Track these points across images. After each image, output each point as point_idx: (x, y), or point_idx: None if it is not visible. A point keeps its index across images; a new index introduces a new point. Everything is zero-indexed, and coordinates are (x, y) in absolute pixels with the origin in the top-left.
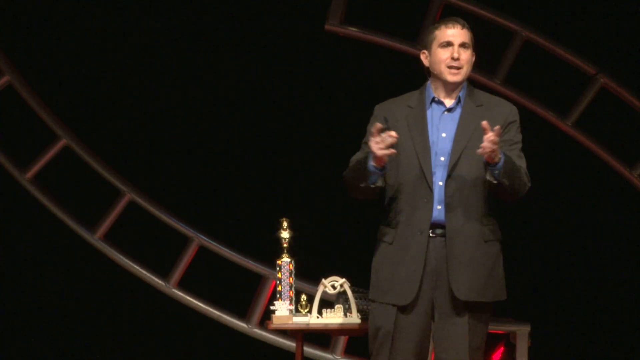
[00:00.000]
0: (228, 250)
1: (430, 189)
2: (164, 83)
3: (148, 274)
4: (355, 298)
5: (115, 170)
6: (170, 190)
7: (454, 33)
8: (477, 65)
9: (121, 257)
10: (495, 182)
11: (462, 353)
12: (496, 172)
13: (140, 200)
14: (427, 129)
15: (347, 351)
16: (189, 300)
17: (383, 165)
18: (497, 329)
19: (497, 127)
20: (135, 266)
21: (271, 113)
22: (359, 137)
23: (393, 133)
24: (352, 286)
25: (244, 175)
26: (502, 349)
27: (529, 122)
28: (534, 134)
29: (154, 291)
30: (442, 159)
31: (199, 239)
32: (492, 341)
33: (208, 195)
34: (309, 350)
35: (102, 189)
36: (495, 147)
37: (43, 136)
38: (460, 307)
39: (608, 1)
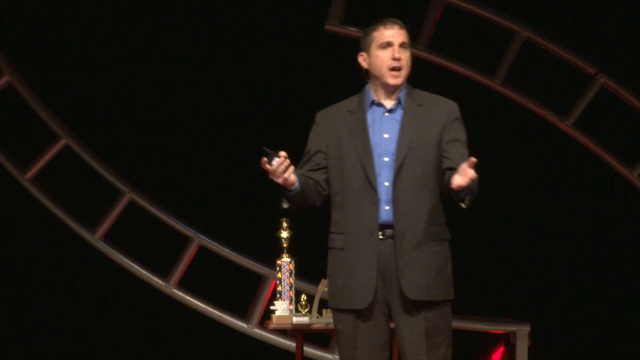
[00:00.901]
0: (228, 250)
1: (375, 190)
2: (164, 83)
3: (148, 274)
4: None
5: (115, 170)
6: (170, 190)
7: (393, 33)
8: (477, 65)
9: (121, 257)
10: (463, 206)
11: (421, 353)
12: (467, 197)
13: (140, 200)
14: (368, 131)
15: None
16: (189, 300)
17: (293, 184)
18: (497, 329)
19: (472, 160)
20: (135, 266)
21: (271, 113)
22: None
23: (282, 153)
24: None
25: (244, 175)
26: (502, 349)
27: (529, 122)
28: (534, 134)
29: (154, 291)
30: (386, 159)
31: (199, 239)
32: (492, 341)
33: (208, 195)
34: (309, 350)
35: (102, 189)
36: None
37: (43, 136)
38: (414, 307)
39: (608, 1)
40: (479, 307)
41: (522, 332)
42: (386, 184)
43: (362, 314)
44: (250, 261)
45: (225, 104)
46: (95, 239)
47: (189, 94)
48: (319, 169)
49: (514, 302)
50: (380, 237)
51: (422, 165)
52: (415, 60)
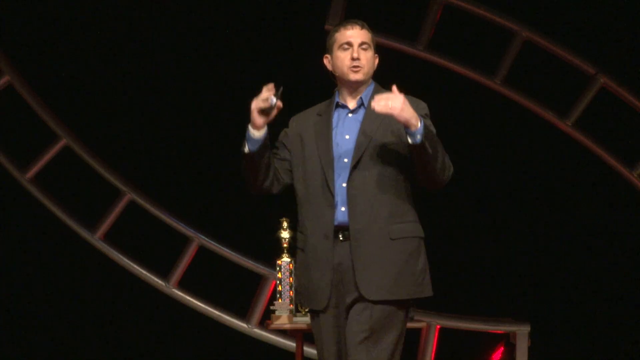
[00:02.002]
0: (228, 250)
1: (331, 193)
2: (163, 83)
3: (148, 274)
4: None
5: (115, 170)
6: (170, 190)
7: (353, 34)
8: (477, 65)
9: (121, 257)
10: (418, 143)
11: (361, 352)
12: (418, 136)
13: (140, 200)
14: (331, 133)
15: None
16: (189, 300)
17: (263, 127)
18: (497, 329)
19: (393, 87)
20: (135, 266)
21: None
22: None
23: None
24: None
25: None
26: (502, 349)
27: (529, 122)
28: (534, 134)
29: (154, 291)
30: (346, 160)
31: (199, 239)
32: (492, 341)
33: (208, 195)
34: (309, 350)
35: (102, 189)
36: (388, 102)
37: (43, 136)
38: (367, 307)
39: (608, 1)
40: (479, 307)
41: (522, 332)
42: (344, 185)
43: (324, 314)
44: (250, 261)
45: (225, 104)
46: (95, 239)
47: (189, 94)
48: (280, 159)
49: (514, 302)
50: (340, 238)
51: (382, 165)
52: (416, 60)
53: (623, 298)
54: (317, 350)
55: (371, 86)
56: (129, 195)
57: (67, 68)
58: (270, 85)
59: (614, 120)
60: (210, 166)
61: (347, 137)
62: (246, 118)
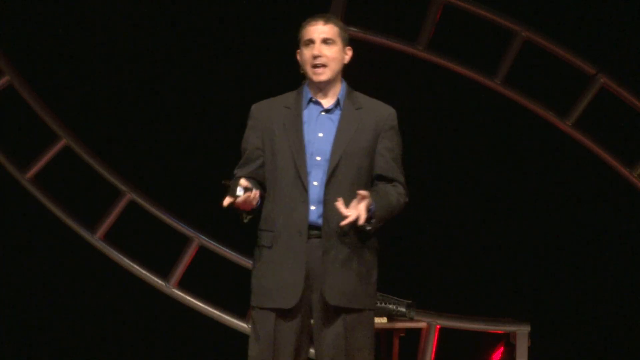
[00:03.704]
0: (228, 250)
1: (305, 189)
2: (164, 83)
3: (148, 274)
4: None
5: (115, 170)
6: (170, 190)
7: (315, 29)
8: (477, 65)
9: (121, 257)
10: (371, 231)
11: (340, 355)
12: (369, 227)
13: (140, 200)
14: (303, 129)
15: None
16: (189, 300)
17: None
18: (497, 329)
19: (363, 194)
20: (135, 266)
21: None
22: None
23: (242, 182)
24: None
25: None
26: (502, 349)
27: (529, 122)
28: (534, 134)
29: (154, 291)
30: (318, 158)
31: (199, 239)
32: (492, 341)
33: (208, 195)
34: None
35: (102, 189)
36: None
37: (43, 136)
38: (335, 310)
39: (608, 1)
40: (479, 307)
41: (522, 332)
42: (315, 183)
43: (285, 315)
44: (250, 261)
45: (225, 104)
46: (95, 239)
47: (189, 94)
48: (259, 167)
49: (514, 302)
50: (308, 236)
51: (355, 170)
52: (416, 60)
53: (623, 298)
54: (258, 350)
55: (344, 86)
56: (129, 195)
57: (67, 68)
58: (226, 200)
59: (614, 120)
60: (211, 166)
61: (320, 135)
62: (246, 117)
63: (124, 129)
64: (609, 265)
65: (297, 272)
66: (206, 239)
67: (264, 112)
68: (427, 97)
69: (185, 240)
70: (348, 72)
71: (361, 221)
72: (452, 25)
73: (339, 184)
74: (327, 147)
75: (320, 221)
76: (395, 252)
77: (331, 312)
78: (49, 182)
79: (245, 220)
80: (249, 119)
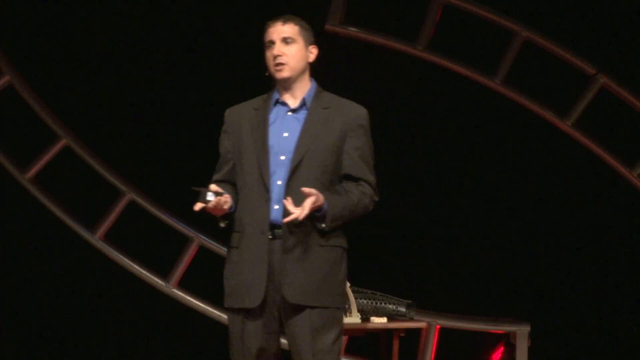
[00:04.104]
0: None
1: (267, 188)
2: (163, 83)
3: (148, 274)
4: (356, 298)
5: (115, 170)
6: (170, 190)
7: (274, 30)
8: (477, 65)
9: (121, 257)
10: (326, 229)
11: (309, 352)
12: (323, 225)
13: (140, 200)
14: (268, 129)
15: (347, 351)
16: (189, 300)
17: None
18: (497, 329)
19: (309, 193)
20: (135, 266)
21: None
22: None
23: (212, 187)
24: (352, 286)
25: None
26: (502, 349)
27: (529, 122)
28: (534, 134)
29: (154, 291)
30: (283, 158)
31: (199, 239)
32: (492, 341)
33: None
34: None
35: (102, 189)
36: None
37: (43, 136)
38: (300, 309)
39: (608, 1)
40: (479, 307)
41: (522, 332)
42: (279, 182)
43: (251, 315)
44: None
45: (225, 104)
46: (95, 239)
47: (190, 94)
48: (231, 169)
49: (514, 302)
50: (270, 236)
51: (319, 169)
52: (416, 60)
53: (623, 298)
54: (233, 353)
55: (313, 86)
56: (129, 195)
57: (67, 68)
58: (197, 206)
59: (614, 120)
60: (211, 166)
61: (285, 134)
62: None
63: (124, 129)
64: (609, 265)
65: (260, 271)
66: (206, 239)
67: (234, 115)
68: (427, 97)
69: (185, 240)
70: (348, 72)
71: (301, 217)
72: (452, 25)
73: (302, 182)
74: (291, 146)
75: (281, 221)
76: (395, 252)
77: (296, 311)
78: (49, 182)
79: (222, 225)
80: (223, 124)
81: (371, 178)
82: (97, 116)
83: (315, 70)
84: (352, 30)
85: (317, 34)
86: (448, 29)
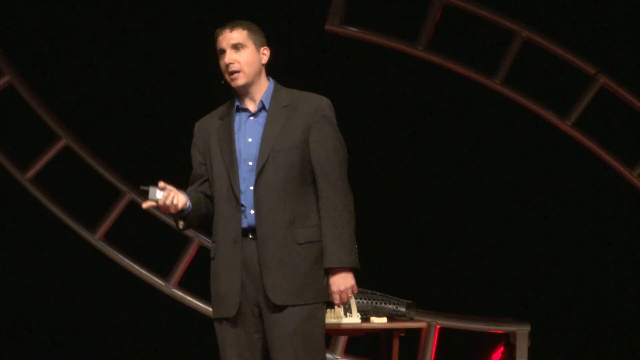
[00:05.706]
0: None
1: (236, 197)
2: (163, 83)
3: (148, 274)
4: (356, 298)
5: (115, 170)
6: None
7: (223, 38)
8: (477, 65)
9: (121, 257)
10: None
11: (290, 354)
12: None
13: (140, 201)
14: (234, 137)
15: (347, 351)
16: (189, 300)
17: (186, 205)
18: (497, 329)
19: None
20: (135, 266)
21: None
22: (359, 136)
23: (161, 184)
24: None
25: None
26: (502, 349)
27: (529, 122)
28: (534, 134)
29: (154, 291)
30: (250, 164)
31: (199, 239)
32: (492, 341)
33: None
34: None
35: (102, 189)
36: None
37: (43, 136)
38: (283, 310)
39: (608, 1)
40: (479, 307)
41: (522, 332)
42: (251, 188)
43: (231, 323)
44: None
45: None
46: (95, 239)
47: (190, 94)
48: (205, 181)
49: (514, 302)
50: (250, 237)
51: (285, 168)
52: (416, 60)
53: (623, 298)
54: (221, 358)
55: (270, 85)
56: (129, 195)
57: (67, 68)
58: (146, 204)
59: (614, 120)
60: None
61: (249, 140)
62: None
63: (124, 129)
64: (609, 265)
65: (233, 280)
66: (206, 239)
67: (202, 127)
68: (427, 97)
69: (185, 240)
70: (348, 72)
71: (348, 296)
72: (452, 25)
73: (270, 184)
74: (256, 151)
75: (255, 225)
76: (395, 252)
77: (280, 312)
78: (49, 182)
79: (180, 227)
80: (193, 137)
81: (335, 172)
82: (97, 116)
83: (316, 70)
84: (352, 30)
85: (317, 34)
86: (448, 29)
